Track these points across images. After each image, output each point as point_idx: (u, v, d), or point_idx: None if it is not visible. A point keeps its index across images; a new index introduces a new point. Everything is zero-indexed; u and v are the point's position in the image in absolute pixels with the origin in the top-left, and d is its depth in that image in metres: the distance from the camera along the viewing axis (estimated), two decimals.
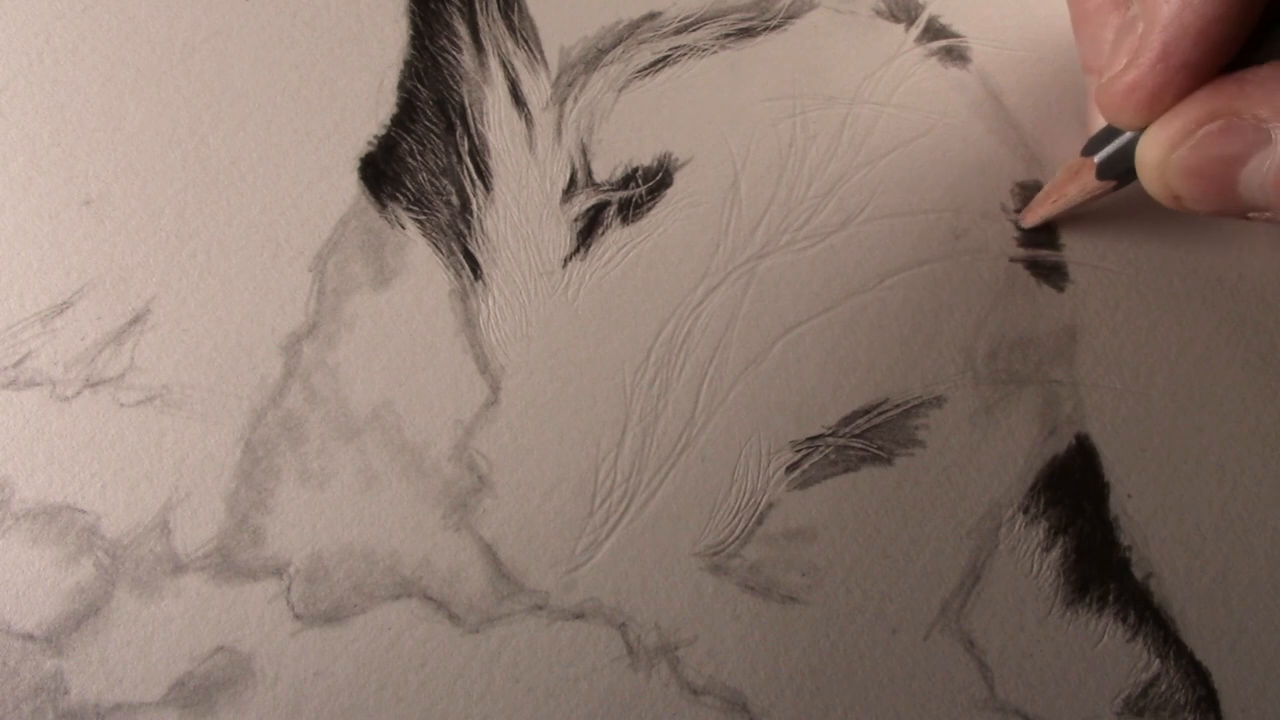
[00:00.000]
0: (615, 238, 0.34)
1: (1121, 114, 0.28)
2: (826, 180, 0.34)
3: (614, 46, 0.35)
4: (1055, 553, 0.32)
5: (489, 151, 0.34)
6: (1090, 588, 0.32)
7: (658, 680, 0.32)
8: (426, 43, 0.35)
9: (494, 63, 0.35)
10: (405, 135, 0.34)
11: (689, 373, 0.33)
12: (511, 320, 0.33)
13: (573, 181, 0.34)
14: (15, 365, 0.33)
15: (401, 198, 0.34)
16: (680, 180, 0.34)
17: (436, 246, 0.34)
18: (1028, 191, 0.34)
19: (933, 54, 0.35)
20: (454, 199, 0.34)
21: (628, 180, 0.34)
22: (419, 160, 0.34)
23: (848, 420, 0.33)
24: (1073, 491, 0.33)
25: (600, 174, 0.34)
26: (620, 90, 0.35)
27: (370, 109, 0.34)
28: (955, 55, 0.35)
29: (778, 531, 0.32)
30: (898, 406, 0.33)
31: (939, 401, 0.33)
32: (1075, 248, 0.34)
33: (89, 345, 0.33)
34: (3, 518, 0.32)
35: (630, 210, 0.34)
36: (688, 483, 0.32)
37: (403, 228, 0.34)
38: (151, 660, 0.31)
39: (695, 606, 0.32)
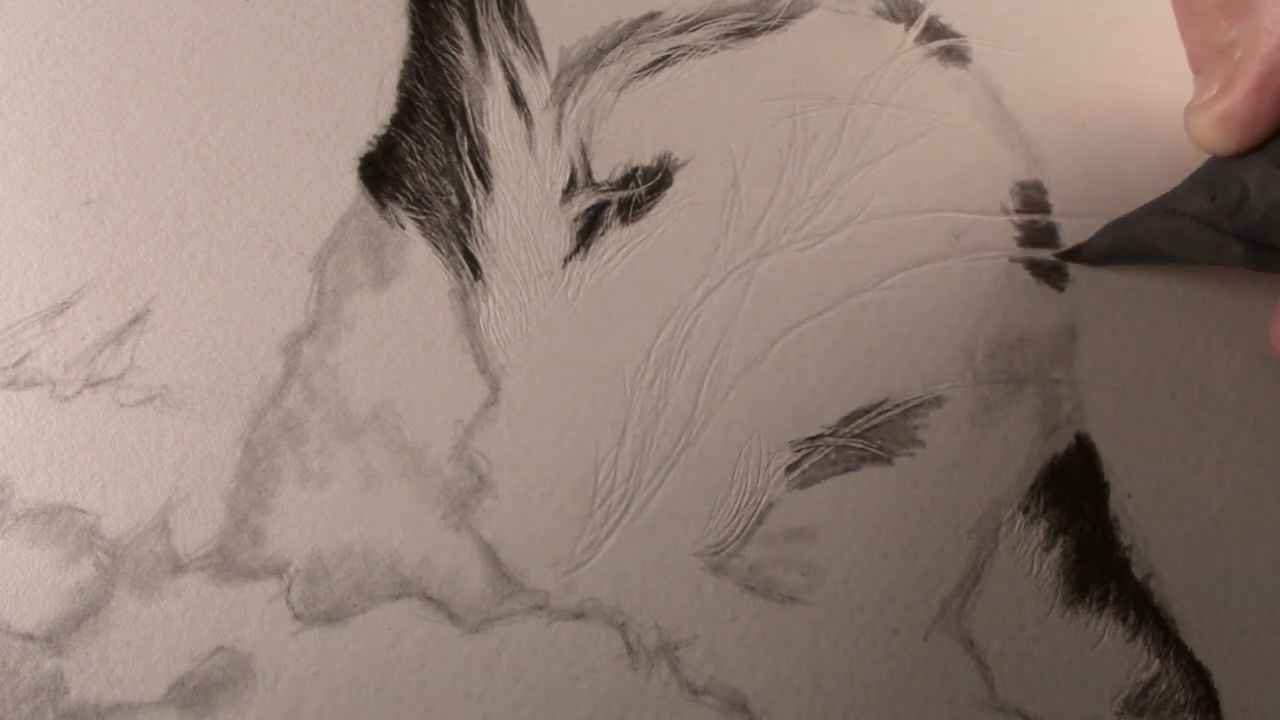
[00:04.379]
0: (615, 238, 0.34)
1: (1210, 140, 0.27)
2: (826, 180, 0.34)
3: (614, 46, 0.35)
4: (1055, 553, 0.32)
5: (489, 151, 0.34)
6: (1090, 588, 0.32)
7: (658, 680, 0.32)
8: (426, 43, 0.35)
9: (494, 63, 0.35)
10: (405, 135, 0.34)
11: (689, 373, 0.33)
12: (511, 320, 0.33)
13: (573, 181, 0.34)
14: (15, 365, 0.33)
15: (401, 198, 0.34)
16: (680, 180, 0.34)
17: (436, 246, 0.34)
18: (1028, 191, 0.34)
19: (933, 54, 0.35)
20: (454, 199, 0.34)
21: (628, 180, 0.34)
22: (419, 160, 0.34)
23: (848, 420, 0.33)
24: (1073, 491, 0.33)
25: (600, 174, 0.34)
26: (620, 90, 0.35)
27: (370, 109, 0.34)
28: (955, 55, 0.35)
29: (778, 531, 0.32)
30: (898, 406, 0.33)
31: (939, 401, 0.33)
32: None
33: (89, 345, 0.33)
34: (3, 518, 0.32)
35: (630, 210, 0.34)
36: (688, 483, 0.32)
37: (403, 228, 0.34)
38: (151, 660, 0.31)
39: (695, 606, 0.32)
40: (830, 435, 0.33)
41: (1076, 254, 0.33)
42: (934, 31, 0.35)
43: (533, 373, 0.33)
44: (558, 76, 0.35)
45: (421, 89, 0.35)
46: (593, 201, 0.34)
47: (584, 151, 0.34)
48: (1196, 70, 0.30)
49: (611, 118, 0.34)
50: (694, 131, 0.34)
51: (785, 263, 0.33)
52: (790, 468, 0.32)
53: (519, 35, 0.35)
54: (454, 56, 0.35)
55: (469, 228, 0.34)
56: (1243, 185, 0.28)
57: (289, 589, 0.32)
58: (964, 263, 0.33)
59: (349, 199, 0.34)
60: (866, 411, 0.33)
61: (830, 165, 0.34)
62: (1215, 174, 0.29)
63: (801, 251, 0.34)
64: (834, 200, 0.34)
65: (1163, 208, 0.31)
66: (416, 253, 0.34)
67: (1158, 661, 0.32)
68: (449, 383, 0.33)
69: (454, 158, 0.34)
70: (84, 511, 0.32)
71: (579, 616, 0.32)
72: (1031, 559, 0.32)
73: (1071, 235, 0.34)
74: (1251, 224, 0.28)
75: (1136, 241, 0.32)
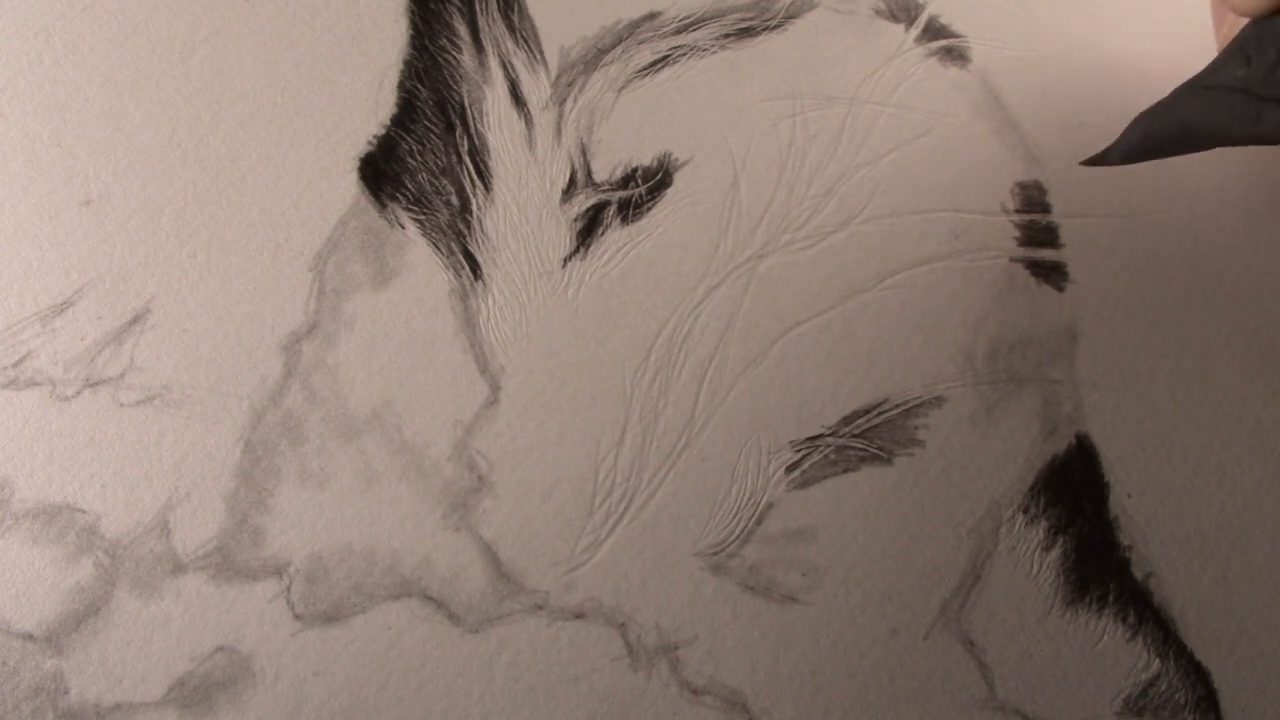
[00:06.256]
0: (615, 238, 0.34)
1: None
2: (826, 180, 0.34)
3: (614, 46, 0.35)
4: (1055, 553, 0.32)
5: (489, 151, 0.34)
6: (1090, 588, 0.32)
7: (658, 680, 0.32)
8: (426, 43, 0.35)
9: (494, 63, 0.35)
10: (405, 135, 0.34)
11: (689, 373, 0.33)
12: (511, 320, 0.33)
13: (572, 181, 0.34)
14: (15, 365, 0.33)
15: (401, 198, 0.34)
16: (680, 180, 0.34)
17: (436, 246, 0.34)
18: (1028, 191, 0.34)
19: (933, 54, 0.35)
20: (454, 199, 0.34)
21: (627, 180, 0.34)
22: (419, 160, 0.34)
23: (848, 420, 0.33)
24: (1073, 491, 0.33)
25: (600, 174, 0.34)
26: (620, 90, 0.35)
27: (370, 109, 0.34)
28: (955, 55, 0.35)
29: (778, 531, 0.32)
30: (898, 406, 0.33)
31: (939, 401, 0.33)
32: (1075, 247, 0.34)
33: (89, 345, 0.33)
34: (3, 518, 0.32)
35: (630, 210, 0.34)
36: (688, 483, 0.32)
37: (403, 228, 0.34)
38: (151, 660, 0.31)
39: (695, 606, 0.32)
40: (830, 435, 0.33)
41: (1103, 157, 0.31)
42: (934, 31, 0.35)
43: (533, 373, 0.33)
44: (558, 76, 0.35)
45: (421, 89, 0.35)
46: (593, 201, 0.34)
47: (584, 151, 0.34)
48: None
49: (611, 118, 0.34)
50: (694, 131, 0.34)
51: (785, 263, 0.33)
52: (790, 468, 0.32)
53: (519, 35, 0.35)
54: (454, 56, 0.35)
55: (469, 228, 0.34)
56: (1279, 44, 0.27)
57: (289, 589, 0.32)
58: (964, 263, 0.33)
59: (349, 199, 0.34)
60: (866, 411, 0.33)
61: (830, 165, 0.34)
62: (1250, 39, 0.28)
63: (801, 251, 0.34)
64: (834, 200, 0.34)
65: (1197, 85, 0.29)
66: (416, 253, 0.34)
67: (1158, 661, 0.32)
68: (449, 383, 0.33)
69: (454, 158, 0.34)
70: (84, 511, 0.32)
71: (579, 616, 0.32)
72: (1031, 559, 0.32)
73: (1071, 235, 0.34)
74: None
75: (1172, 126, 0.30)
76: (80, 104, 0.34)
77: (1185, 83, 0.30)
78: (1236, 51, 0.28)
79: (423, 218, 0.34)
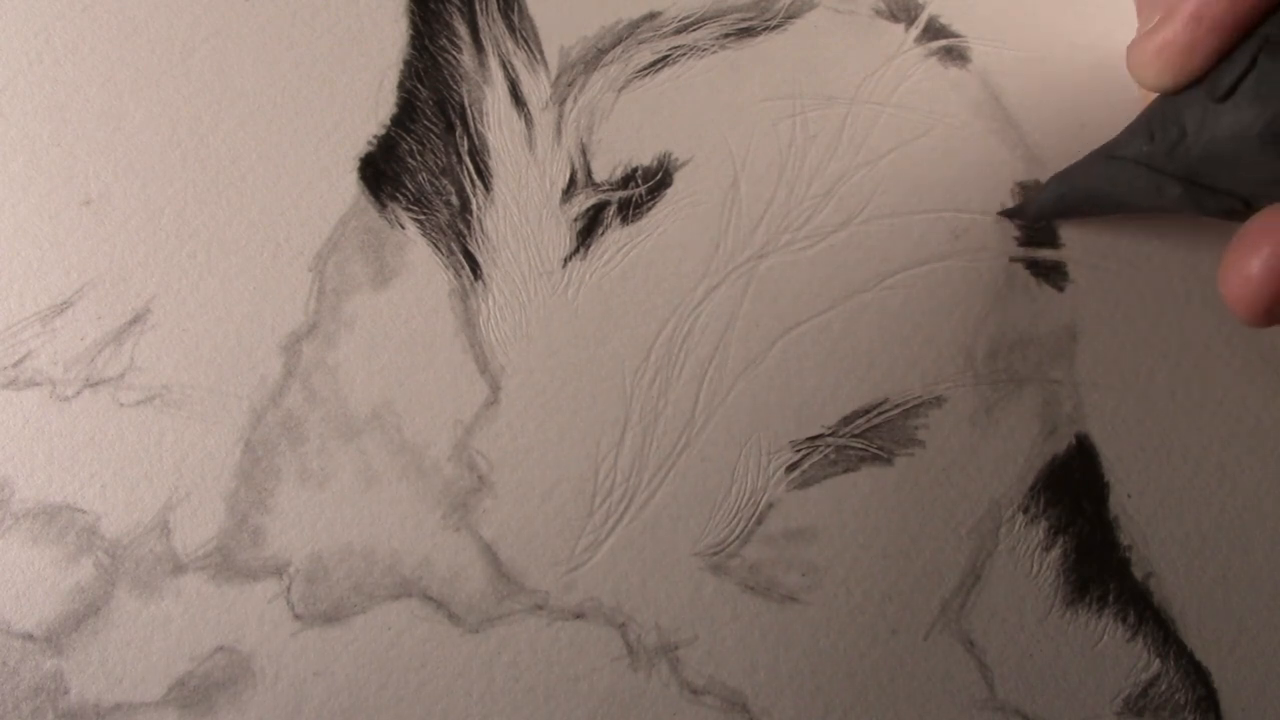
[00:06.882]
0: (615, 238, 0.34)
1: (1149, 73, 0.27)
2: (826, 180, 0.34)
3: (614, 46, 0.35)
4: (1055, 553, 0.32)
5: (489, 151, 0.34)
6: (1090, 588, 0.32)
7: (658, 680, 0.32)
8: (426, 43, 0.35)
9: (494, 63, 0.35)
10: (405, 135, 0.34)
11: (689, 373, 0.33)
12: (511, 320, 0.33)
13: (572, 181, 0.34)
14: (15, 365, 0.33)
15: (401, 198, 0.34)
16: (680, 180, 0.34)
17: (436, 246, 0.34)
18: (1028, 191, 0.34)
19: (932, 54, 0.35)
20: (454, 199, 0.34)
21: (627, 180, 0.34)
22: (419, 160, 0.34)
23: (848, 420, 0.33)
24: (1073, 491, 0.33)
25: (600, 174, 0.34)
26: (620, 90, 0.35)
27: (370, 109, 0.34)
28: (955, 55, 0.35)
29: (778, 531, 0.32)
30: (898, 406, 0.33)
31: (939, 401, 0.33)
32: (1075, 247, 0.34)
33: (89, 345, 0.33)
34: (3, 518, 0.32)
35: (630, 210, 0.34)
36: (688, 483, 0.32)
37: (403, 228, 0.34)
38: (151, 660, 0.31)
39: (695, 606, 0.32)
40: (830, 435, 0.33)
41: (1018, 212, 0.33)
42: (934, 31, 0.35)
43: (533, 373, 0.33)
44: (558, 76, 0.35)
45: (421, 89, 0.35)
46: (593, 201, 0.34)
47: (584, 151, 0.34)
48: (1140, 10, 0.30)
49: (611, 118, 0.34)
50: (694, 131, 0.34)
51: (785, 263, 0.33)
52: (790, 468, 0.33)
53: (519, 35, 0.35)
54: (454, 56, 0.35)
55: (469, 228, 0.34)
56: (1180, 123, 0.27)
57: (289, 589, 0.32)
58: (964, 263, 0.33)
59: (349, 199, 0.34)
60: (866, 411, 0.33)
61: (830, 165, 0.34)
62: (1156, 115, 0.29)
63: (801, 251, 0.34)
64: (834, 200, 0.34)
65: (1106, 154, 0.30)
66: (416, 253, 0.34)
67: (1158, 661, 0.32)
68: (449, 383, 0.33)
69: (454, 158, 0.34)
70: (84, 511, 0.32)
71: (579, 616, 0.32)
72: (1031, 559, 0.32)
73: (1071, 235, 0.34)
74: (1189, 163, 0.27)
75: (1081, 191, 0.31)
76: (80, 104, 0.34)
77: (1096, 150, 0.31)
78: (1142, 126, 0.29)
79: (423, 218, 0.34)
